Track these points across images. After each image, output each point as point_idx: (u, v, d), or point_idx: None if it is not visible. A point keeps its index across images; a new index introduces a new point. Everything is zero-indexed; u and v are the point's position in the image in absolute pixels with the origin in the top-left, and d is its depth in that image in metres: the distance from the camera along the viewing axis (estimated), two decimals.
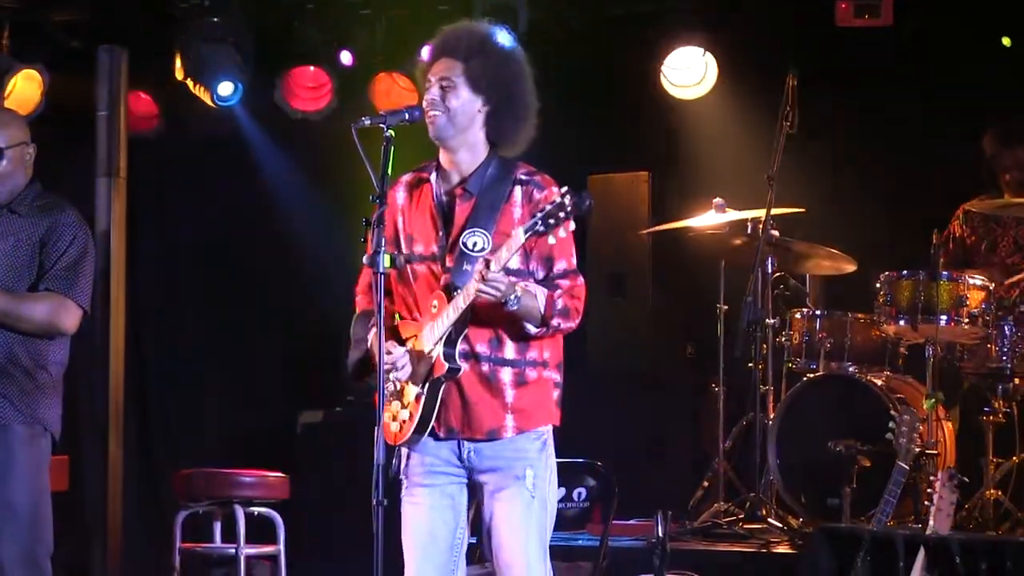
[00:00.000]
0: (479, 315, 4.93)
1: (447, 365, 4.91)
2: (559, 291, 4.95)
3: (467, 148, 5.05)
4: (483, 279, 4.75)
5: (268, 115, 9.41)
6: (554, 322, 4.93)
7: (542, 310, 4.90)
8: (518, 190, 5.00)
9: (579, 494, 7.56)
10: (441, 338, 4.92)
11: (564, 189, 4.74)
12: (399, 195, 5.14)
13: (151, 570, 8.46)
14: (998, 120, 8.24)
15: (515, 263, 4.87)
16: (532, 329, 4.93)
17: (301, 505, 8.35)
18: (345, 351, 5.19)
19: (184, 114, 9.40)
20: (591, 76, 9.17)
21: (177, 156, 9.57)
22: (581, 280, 5.03)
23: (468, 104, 5.02)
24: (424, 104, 5.04)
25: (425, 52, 5.14)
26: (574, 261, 5.04)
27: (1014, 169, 8.15)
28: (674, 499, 7.97)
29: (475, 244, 4.95)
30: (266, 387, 9.70)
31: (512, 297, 4.81)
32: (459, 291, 4.89)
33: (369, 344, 5.08)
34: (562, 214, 4.72)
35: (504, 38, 5.34)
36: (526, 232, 4.75)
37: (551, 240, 4.80)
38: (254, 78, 9.07)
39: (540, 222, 4.73)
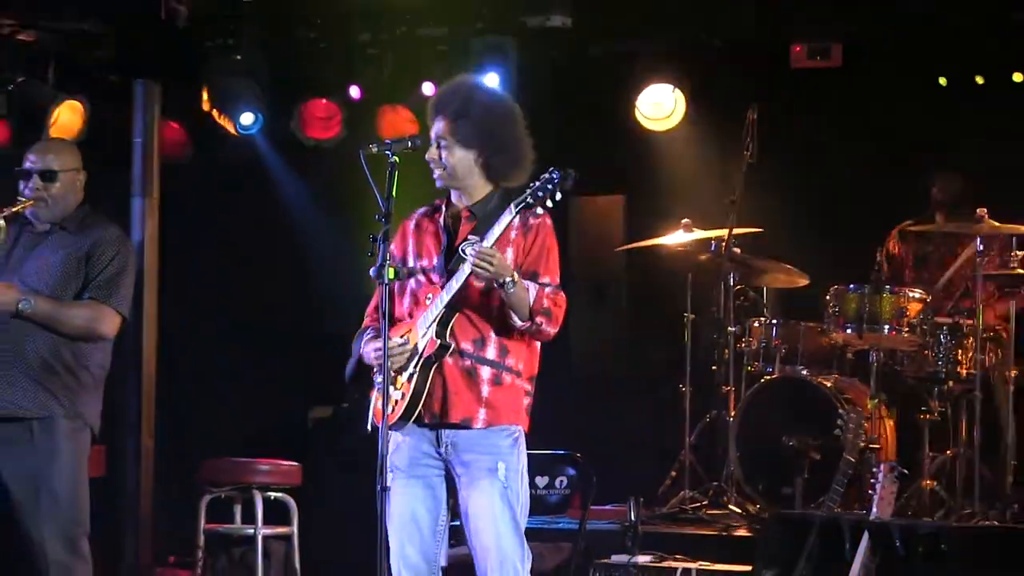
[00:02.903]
0: (468, 312, 4.94)
1: (438, 342, 4.88)
2: (548, 289, 4.98)
3: (471, 189, 5.08)
4: (476, 253, 4.77)
5: (285, 143, 9.44)
6: (538, 319, 4.89)
7: (531, 303, 4.94)
8: (517, 216, 5.05)
9: (561, 482, 7.58)
10: (434, 321, 4.92)
11: (552, 168, 4.82)
12: (411, 224, 5.18)
13: (178, 549, 8.48)
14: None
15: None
16: (518, 321, 4.90)
17: (312, 490, 8.38)
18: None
19: (211, 141, 9.44)
20: (574, 109, 9.20)
21: (204, 179, 9.59)
22: (563, 296, 5.05)
23: (463, 159, 5.03)
24: (427, 158, 5.11)
25: (430, 107, 5.20)
26: (558, 279, 5.01)
27: (940, 191, 8.30)
28: (645, 487, 7.98)
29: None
30: (281, 386, 9.71)
31: (508, 279, 4.80)
32: (454, 278, 4.93)
33: (363, 353, 5.13)
34: (550, 187, 4.79)
35: (487, 91, 5.37)
36: (516, 207, 4.81)
37: (539, 211, 4.87)
38: (273, 110, 9.08)
39: (530, 195, 4.79)
